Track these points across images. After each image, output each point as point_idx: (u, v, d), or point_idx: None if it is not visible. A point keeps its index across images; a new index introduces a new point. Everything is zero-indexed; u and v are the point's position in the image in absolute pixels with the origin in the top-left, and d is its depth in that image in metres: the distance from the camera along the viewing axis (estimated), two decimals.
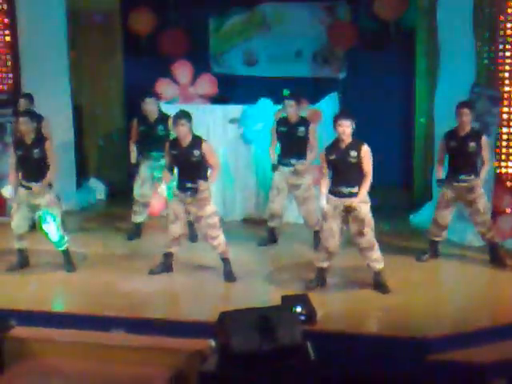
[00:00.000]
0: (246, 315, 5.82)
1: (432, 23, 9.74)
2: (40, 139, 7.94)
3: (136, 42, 11.34)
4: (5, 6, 10.27)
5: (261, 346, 5.61)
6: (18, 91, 10.15)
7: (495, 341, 6.49)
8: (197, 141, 7.65)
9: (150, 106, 8.93)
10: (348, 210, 7.28)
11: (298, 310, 6.54)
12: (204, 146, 7.63)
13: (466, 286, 7.76)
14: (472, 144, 7.92)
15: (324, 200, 7.33)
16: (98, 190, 11.29)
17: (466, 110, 7.94)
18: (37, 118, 8.19)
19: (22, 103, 9.12)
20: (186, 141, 7.62)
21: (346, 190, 7.26)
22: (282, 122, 8.73)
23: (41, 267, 8.18)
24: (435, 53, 9.71)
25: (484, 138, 7.99)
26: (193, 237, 8.89)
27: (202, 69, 11.05)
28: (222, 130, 9.91)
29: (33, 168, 7.86)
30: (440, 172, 8.20)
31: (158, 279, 7.87)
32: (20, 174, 7.94)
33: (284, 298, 6.78)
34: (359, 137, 7.34)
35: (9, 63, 10.37)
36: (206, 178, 7.67)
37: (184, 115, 7.61)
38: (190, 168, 7.62)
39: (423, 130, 10.35)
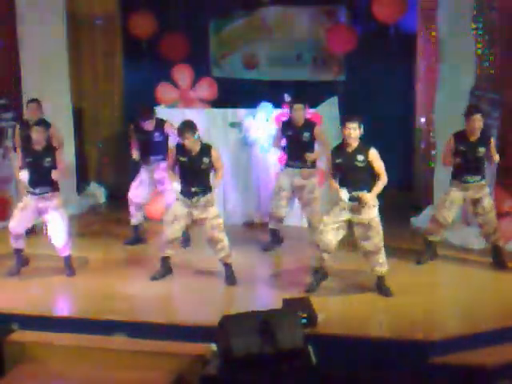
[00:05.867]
0: (247, 319, 5.82)
1: (432, 26, 9.75)
2: (50, 148, 7.94)
3: (136, 45, 11.33)
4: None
5: (262, 350, 5.61)
6: (18, 95, 10.14)
7: (498, 343, 6.50)
8: (206, 149, 7.67)
9: (148, 125, 8.89)
10: (354, 211, 7.24)
11: (299, 313, 6.52)
12: (213, 153, 7.68)
13: (468, 289, 7.74)
14: (482, 149, 7.89)
15: (343, 193, 7.21)
16: (98, 194, 11.27)
17: (478, 116, 7.87)
18: (47, 126, 8.18)
19: (33, 108, 9.03)
20: (195, 149, 7.63)
21: (354, 193, 7.24)
22: (288, 125, 8.71)
23: (41, 271, 8.17)
24: (435, 56, 9.71)
25: (493, 141, 7.99)
26: (185, 242, 8.84)
27: (203, 72, 11.06)
28: (223, 134, 9.90)
29: (42, 176, 7.83)
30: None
31: (159, 283, 7.86)
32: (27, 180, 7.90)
33: (285, 302, 6.78)
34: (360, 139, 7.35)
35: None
36: (209, 183, 7.71)
37: (188, 128, 7.57)
38: (198, 174, 7.65)
39: (424, 132, 10.34)
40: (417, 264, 8.28)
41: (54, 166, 7.85)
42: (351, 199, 7.22)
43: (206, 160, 7.62)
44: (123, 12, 11.33)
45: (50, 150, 7.92)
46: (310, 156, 8.45)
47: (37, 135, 7.84)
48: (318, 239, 7.42)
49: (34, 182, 7.84)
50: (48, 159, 7.83)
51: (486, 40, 9.14)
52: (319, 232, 7.42)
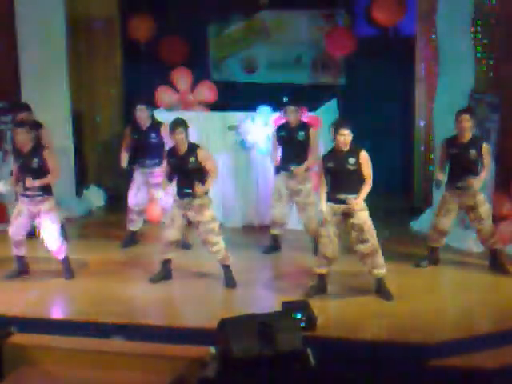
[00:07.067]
0: (246, 321, 5.81)
1: (431, 29, 9.75)
2: (38, 148, 7.83)
3: (135, 48, 11.34)
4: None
5: (261, 353, 5.60)
6: (17, 99, 10.14)
7: (497, 346, 6.48)
8: (193, 148, 7.69)
9: (142, 113, 8.88)
10: (346, 215, 7.28)
11: (299, 316, 6.52)
12: (199, 152, 7.67)
13: (466, 292, 7.73)
14: (473, 151, 7.91)
15: (324, 205, 7.36)
16: (97, 197, 11.26)
17: (466, 116, 7.91)
18: (35, 127, 8.14)
19: (25, 113, 9.03)
20: (183, 149, 7.66)
21: (344, 196, 7.27)
22: (282, 127, 8.74)
23: (40, 274, 8.16)
24: (434, 59, 9.72)
25: (485, 145, 7.99)
26: (186, 244, 8.81)
27: (202, 76, 11.06)
28: (222, 137, 9.90)
29: (32, 177, 7.74)
30: (440, 175, 8.14)
31: (158, 286, 7.85)
32: (21, 183, 7.87)
33: (284, 304, 6.77)
34: (359, 143, 7.35)
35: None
36: (203, 184, 7.70)
37: (180, 123, 7.66)
38: (187, 175, 7.66)
39: (423, 135, 10.34)
40: (416, 267, 8.28)
41: (43, 167, 7.76)
42: (339, 201, 7.26)
43: (192, 159, 7.62)
44: (123, 15, 11.34)
45: (38, 150, 7.80)
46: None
47: (19, 137, 7.73)
48: (323, 251, 7.44)
49: (24, 186, 7.76)
50: (35, 160, 7.73)
51: (485, 43, 9.15)
52: (322, 244, 7.43)
